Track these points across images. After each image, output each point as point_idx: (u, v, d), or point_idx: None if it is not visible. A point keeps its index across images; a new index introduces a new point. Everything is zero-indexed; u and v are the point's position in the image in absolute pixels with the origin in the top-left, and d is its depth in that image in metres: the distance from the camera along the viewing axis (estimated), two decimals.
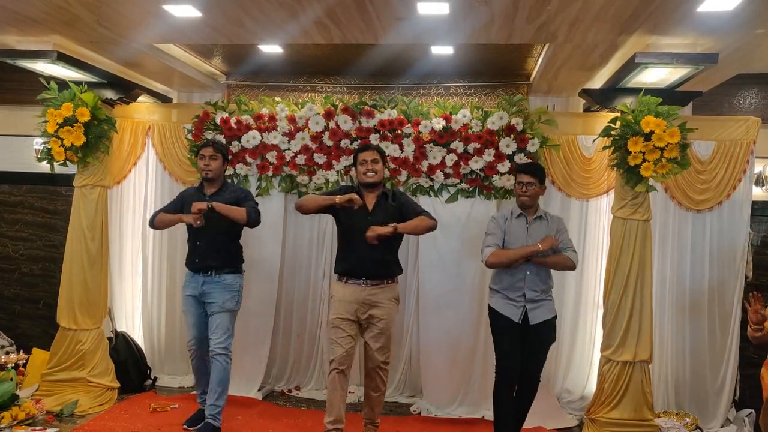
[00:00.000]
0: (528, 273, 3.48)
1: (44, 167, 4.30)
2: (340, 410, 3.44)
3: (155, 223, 3.85)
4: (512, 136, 4.23)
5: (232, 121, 4.49)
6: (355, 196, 3.38)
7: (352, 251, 3.48)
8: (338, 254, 3.61)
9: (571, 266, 3.55)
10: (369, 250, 3.38)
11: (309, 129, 4.45)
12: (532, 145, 4.22)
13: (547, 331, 3.54)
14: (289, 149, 4.49)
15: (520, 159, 4.21)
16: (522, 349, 3.50)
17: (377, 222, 3.40)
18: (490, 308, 3.60)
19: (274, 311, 4.65)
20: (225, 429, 3.86)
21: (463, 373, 4.41)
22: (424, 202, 4.45)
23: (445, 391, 4.42)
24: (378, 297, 3.46)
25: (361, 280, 3.46)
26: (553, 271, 3.59)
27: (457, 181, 4.37)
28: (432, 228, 3.49)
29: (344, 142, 4.41)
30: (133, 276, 4.96)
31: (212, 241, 3.74)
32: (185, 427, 3.85)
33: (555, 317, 3.58)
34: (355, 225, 3.44)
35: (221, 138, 4.48)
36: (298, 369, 4.84)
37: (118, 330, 4.76)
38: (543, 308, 3.51)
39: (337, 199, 3.39)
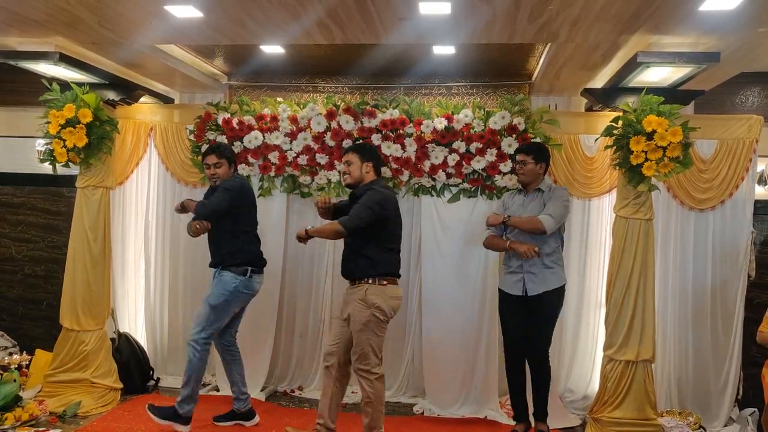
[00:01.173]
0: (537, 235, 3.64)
1: (47, 168, 4.31)
2: (323, 407, 3.53)
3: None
4: (514, 135, 4.23)
5: (234, 121, 4.50)
6: (316, 199, 3.59)
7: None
8: None
9: (540, 229, 3.60)
10: (343, 250, 3.57)
11: (311, 129, 4.45)
12: None
13: (549, 302, 3.64)
14: (291, 149, 4.49)
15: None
16: (525, 324, 3.69)
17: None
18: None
19: (276, 311, 4.65)
20: (229, 429, 3.87)
21: (466, 373, 4.40)
22: (426, 202, 4.46)
23: (448, 391, 4.41)
24: (351, 297, 3.47)
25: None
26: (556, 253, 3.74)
27: (459, 180, 4.37)
28: (338, 234, 3.40)
29: (346, 143, 4.41)
30: (135, 277, 4.97)
31: (210, 240, 3.84)
32: (213, 422, 3.92)
33: (558, 288, 3.67)
34: None
35: (223, 139, 4.49)
36: (300, 369, 4.84)
37: (121, 331, 4.76)
38: (542, 279, 3.65)
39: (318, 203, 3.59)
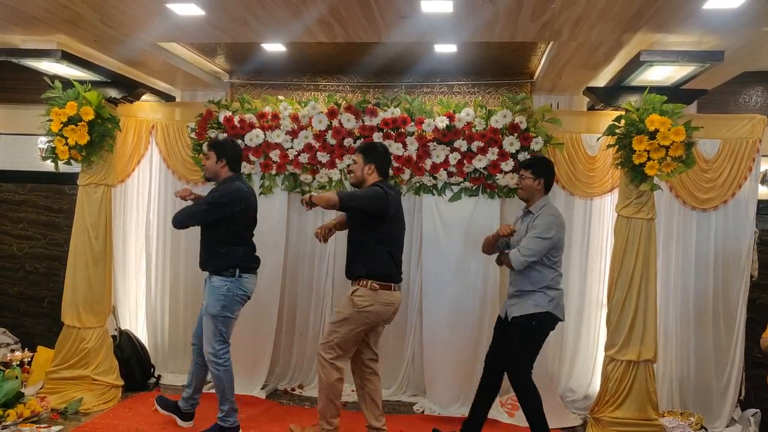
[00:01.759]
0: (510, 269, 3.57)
1: (48, 166, 4.31)
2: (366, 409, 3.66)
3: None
4: (516, 134, 4.22)
5: (236, 119, 4.50)
6: (304, 198, 3.42)
7: None
8: None
9: (510, 265, 3.49)
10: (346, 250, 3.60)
11: (312, 127, 4.45)
12: (536, 144, 4.20)
13: (518, 329, 3.50)
14: (292, 148, 4.49)
15: (524, 157, 4.20)
16: (505, 347, 3.59)
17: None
18: (546, 314, 3.55)
19: (277, 310, 4.65)
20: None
21: (466, 372, 4.40)
22: (427, 201, 4.45)
23: (448, 390, 4.41)
24: (345, 293, 3.52)
25: None
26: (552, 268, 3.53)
27: (461, 179, 4.36)
28: (330, 203, 3.32)
29: (347, 141, 4.40)
30: (136, 274, 4.98)
31: (201, 243, 3.76)
32: (156, 406, 3.96)
33: (531, 315, 3.45)
34: None
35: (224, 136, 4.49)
36: (301, 367, 4.84)
37: (122, 328, 4.77)
38: (519, 305, 3.52)
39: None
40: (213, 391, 4.08)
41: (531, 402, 3.51)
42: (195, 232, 4.42)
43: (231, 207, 3.61)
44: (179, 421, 3.90)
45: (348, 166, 4.40)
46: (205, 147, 3.81)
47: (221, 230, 3.64)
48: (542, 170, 3.57)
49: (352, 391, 4.50)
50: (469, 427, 3.72)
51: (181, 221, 3.66)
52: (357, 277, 3.45)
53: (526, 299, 3.49)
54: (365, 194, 3.43)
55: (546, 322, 3.52)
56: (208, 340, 3.64)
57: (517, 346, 3.52)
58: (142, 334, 4.91)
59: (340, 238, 3.64)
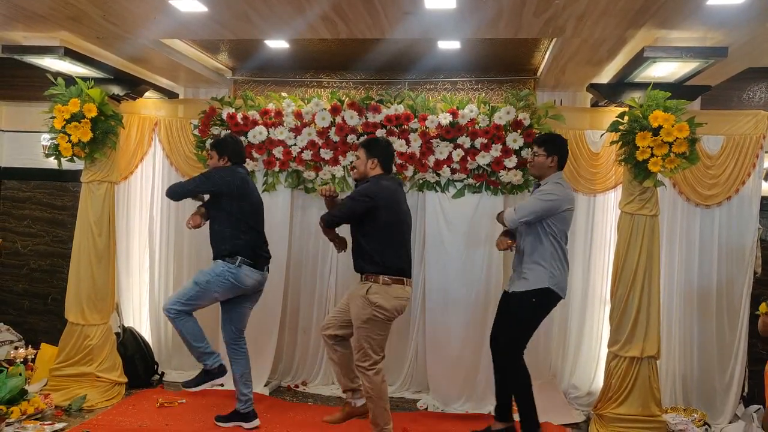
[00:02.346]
0: (520, 240, 3.59)
1: (52, 163, 4.32)
2: (338, 377, 3.64)
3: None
4: (519, 131, 4.22)
5: (239, 116, 4.50)
6: (321, 188, 3.56)
7: None
8: None
9: (503, 222, 3.55)
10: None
11: (315, 124, 4.45)
12: None
13: (514, 303, 3.50)
14: (295, 145, 4.49)
15: (527, 154, 4.19)
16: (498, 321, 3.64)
17: None
18: (546, 289, 3.56)
19: (280, 306, 4.66)
20: (228, 430, 3.86)
21: (469, 369, 4.41)
22: (430, 197, 4.45)
23: (451, 387, 4.42)
24: (356, 292, 3.44)
25: None
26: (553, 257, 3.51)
27: (464, 176, 4.36)
28: (320, 225, 3.51)
29: (351, 138, 4.40)
30: (140, 271, 4.98)
31: (210, 233, 3.83)
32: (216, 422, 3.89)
33: (528, 292, 3.43)
34: None
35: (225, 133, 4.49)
36: (304, 364, 4.85)
37: (126, 325, 4.78)
38: (520, 279, 3.52)
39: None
40: (214, 387, 4.09)
41: (519, 386, 3.50)
42: (198, 229, 4.39)
43: (224, 181, 3.66)
44: (244, 425, 3.85)
45: (351, 162, 4.40)
46: (207, 145, 3.81)
47: (224, 214, 3.69)
48: (555, 147, 3.56)
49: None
50: (499, 413, 3.74)
51: (173, 191, 3.73)
52: (369, 273, 3.40)
53: (527, 274, 3.48)
54: (346, 200, 3.48)
55: (545, 299, 3.48)
56: (174, 295, 3.72)
57: (510, 321, 3.53)
58: (145, 331, 4.92)
59: (344, 232, 3.62)
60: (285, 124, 4.48)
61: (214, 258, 3.72)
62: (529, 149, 3.64)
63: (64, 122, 4.03)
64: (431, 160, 4.33)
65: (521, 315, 3.52)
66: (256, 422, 3.85)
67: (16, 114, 5.39)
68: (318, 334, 4.75)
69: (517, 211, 3.46)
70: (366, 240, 3.40)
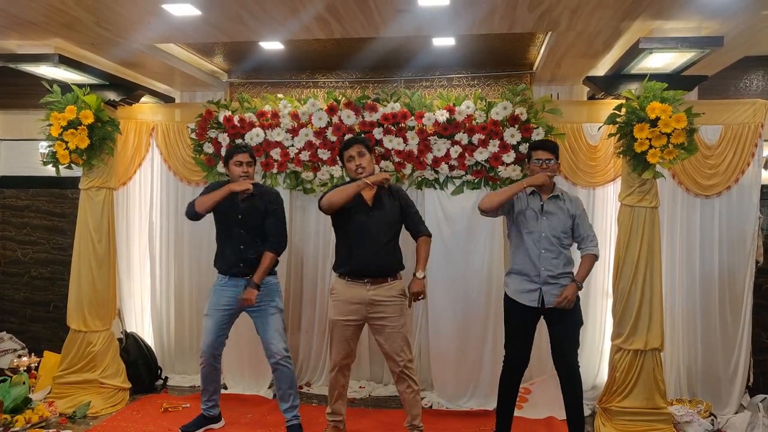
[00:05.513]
0: (542, 252, 3.38)
1: (50, 171, 4.31)
2: (340, 406, 3.65)
3: (197, 208, 3.61)
4: (517, 126, 4.21)
5: (235, 119, 4.49)
6: (387, 175, 3.44)
7: (358, 249, 3.43)
8: (339, 252, 3.56)
9: (595, 260, 3.53)
10: (374, 250, 3.39)
11: (312, 125, 4.44)
12: (537, 135, 4.18)
13: (570, 312, 3.40)
14: (293, 146, 4.48)
15: (525, 149, 4.18)
16: (549, 337, 3.48)
17: (380, 218, 3.42)
18: (505, 294, 3.52)
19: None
20: (234, 427, 3.87)
21: (473, 366, 4.40)
22: (429, 195, 4.44)
23: (455, 384, 4.41)
24: (386, 294, 3.43)
25: (366, 280, 3.42)
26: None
27: (463, 172, 4.35)
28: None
29: (348, 137, 4.39)
30: (141, 276, 4.97)
31: None
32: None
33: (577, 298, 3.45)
34: (354, 221, 3.42)
35: (224, 136, 4.49)
36: (307, 365, 4.84)
37: (128, 330, 4.78)
38: (561, 289, 3.37)
39: (370, 180, 3.37)
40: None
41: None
42: (198, 233, 4.43)
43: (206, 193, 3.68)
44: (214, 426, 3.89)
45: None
46: (248, 156, 3.72)
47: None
48: (558, 152, 3.58)
49: (360, 387, 4.53)
50: None
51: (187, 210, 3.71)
52: (398, 270, 3.53)
53: (564, 283, 3.40)
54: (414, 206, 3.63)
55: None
56: (282, 343, 3.75)
57: (568, 333, 3.44)
58: (148, 336, 4.91)
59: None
60: (282, 126, 4.47)
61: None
62: (536, 158, 3.45)
63: (61, 129, 4.04)
64: (429, 158, 4.33)
65: (576, 322, 3.49)
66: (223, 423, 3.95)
67: (13, 122, 5.40)
68: (320, 335, 4.77)
69: (595, 243, 3.51)
70: (397, 239, 3.55)
